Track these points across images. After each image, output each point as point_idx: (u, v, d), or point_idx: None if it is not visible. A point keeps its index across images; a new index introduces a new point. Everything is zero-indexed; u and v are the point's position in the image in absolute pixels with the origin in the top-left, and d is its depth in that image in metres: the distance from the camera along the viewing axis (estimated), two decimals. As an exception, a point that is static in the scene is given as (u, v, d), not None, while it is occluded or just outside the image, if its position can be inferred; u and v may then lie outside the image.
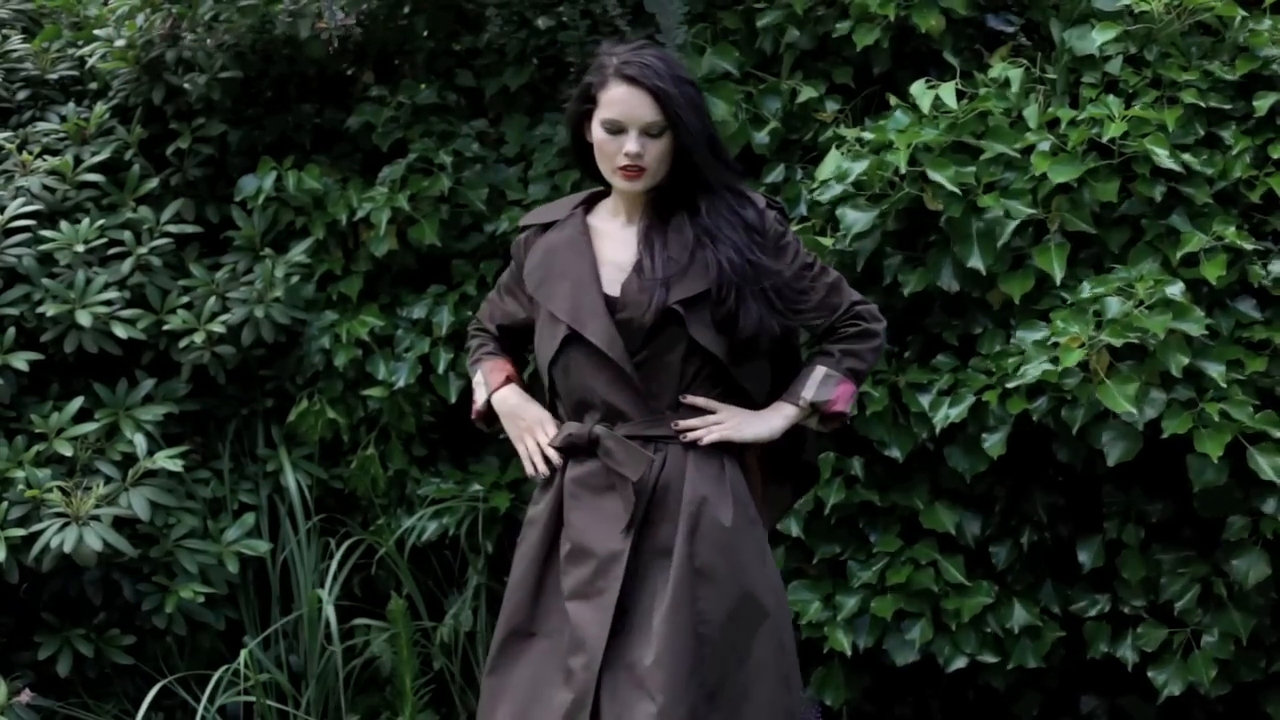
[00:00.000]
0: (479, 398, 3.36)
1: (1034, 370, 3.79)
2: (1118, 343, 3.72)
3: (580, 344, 3.12)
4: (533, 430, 3.23)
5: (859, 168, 4.06)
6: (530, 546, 3.17)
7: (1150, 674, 4.02)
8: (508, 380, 3.32)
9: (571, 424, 3.17)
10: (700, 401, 3.16)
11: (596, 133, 3.12)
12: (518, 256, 3.30)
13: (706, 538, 3.09)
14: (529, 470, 3.22)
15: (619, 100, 3.08)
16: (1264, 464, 3.74)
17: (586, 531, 3.10)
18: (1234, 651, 3.98)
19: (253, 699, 4.59)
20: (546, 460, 3.19)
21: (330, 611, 4.63)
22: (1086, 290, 3.86)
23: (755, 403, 3.21)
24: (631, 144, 3.07)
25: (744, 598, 3.09)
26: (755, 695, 3.08)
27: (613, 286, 3.13)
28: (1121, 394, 3.73)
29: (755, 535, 3.17)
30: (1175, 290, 3.79)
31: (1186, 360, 3.74)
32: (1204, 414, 3.76)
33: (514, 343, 3.40)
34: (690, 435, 3.13)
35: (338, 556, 4.73)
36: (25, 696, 4.44)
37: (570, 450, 3.16)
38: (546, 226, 3.25)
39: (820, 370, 3.22)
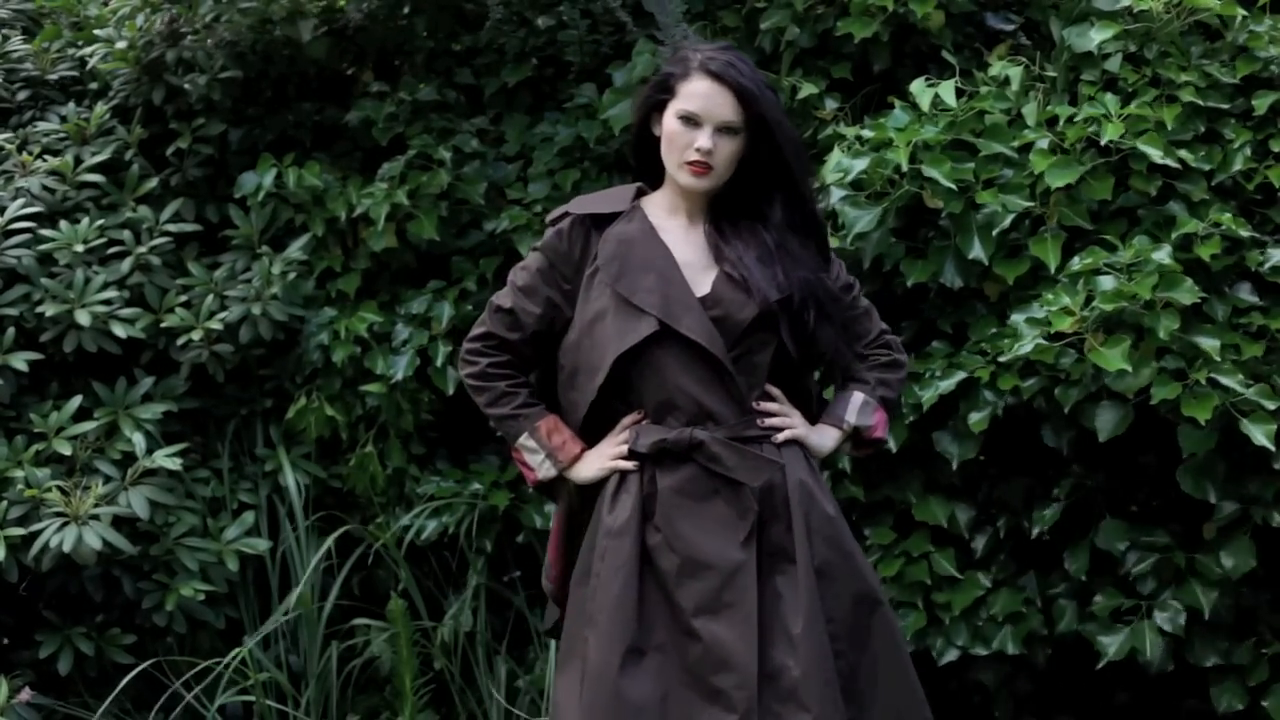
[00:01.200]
0: (542, 470, 3.17)
1: (1027, 345, 3.78)
2: (1110, 307, 3.71)
3: (671, 340, 3.03)
4: (613, 445, 3.11)
5: (859, 165, 4.06)
6: (623, 560, 3.01)
7: (1099, 638, 3.99)
8: (583, 453, 3.15)
9: (655, 428, 3.07)
10: (777, 393, 3.16)
11: (669, 124, 3.06)
12: (559, 247, 3.13)
13: (819, 533, 3.08)
14: (630, 465, 3.08)
15: (700, 94, 3.04)
16: (1256, 431, 3.72)
17: (699, 543, 3.01)
18: (1183, 626, 3.94)
19: (252, 699, 4.59)
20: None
21: (306, 605, 4.63)
22: (1076, 264, 3.85)
23: (811, 414, 3.24)
24: (704, 139, 3.03)
25: (859, 589, 3.10)
26: (884, 680, 3.09)
27: (697, 285, 3.08)
28: (1114, 354, 3.72)
29: (845, 522, 3.18)
30: (1162, 254, 3.77)
31: (1175, 325, 3.73)
32: (1194, 385, 3.74)
33: (540, 352, 3.22)
34: (771, 422, 3.11)
35: (323, 550, 4.73)
36: (25, 695, 4.44)
37: (658, 456, 3.06)
38: (606, 218, 3.13)
39: (859, 396, 3.23)
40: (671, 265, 3.07)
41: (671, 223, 3.13)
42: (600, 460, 3.12)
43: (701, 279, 3.08)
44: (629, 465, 3.07)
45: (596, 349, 3.07)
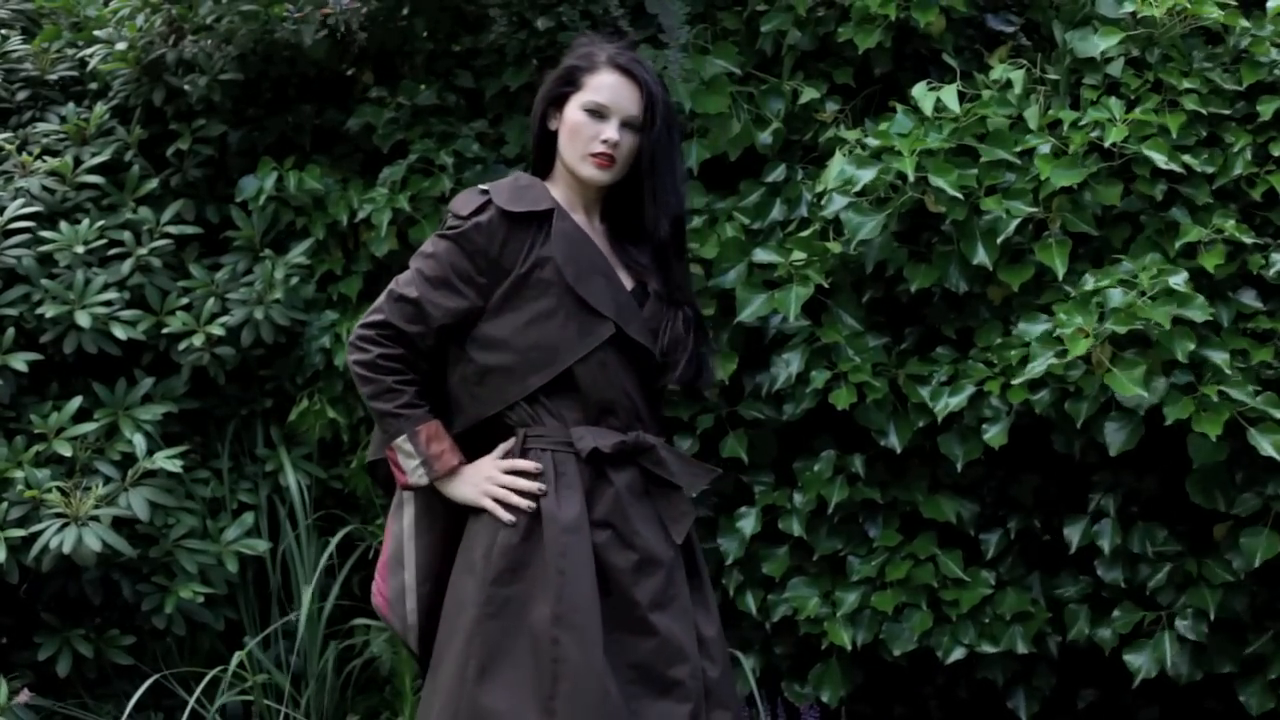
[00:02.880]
0: (414, 476, 3.09)
1: (1040, 365, 3.79)
2: (1123, 330, 3.72)
3: (619, 344, 3.06)
4: (498, 478, 3.08)
5: (866, 175, 4.04)
6: (585, 556, 3.00)
7: (1125, 657, 4.01)
8: (460, 466, 3.10)
9: (602, 430, 3.07)
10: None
11: (574, 115, 3.08)
12: (477, 240, 3.05)
13: (696, 543, 3.20)
14: (507, 518, 3.04)
15: (608, 86, 3.07)
16: (1264, 441, 3.74)
17: (650, 540, 3.06)
18: (1206, 634, 3.96)
19: (251, 699, 4.59)
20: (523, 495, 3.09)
21: (306, 608, 4.63)
22: (1090, 283, 3.86)
23: None
24: (611, 131, 3.06)
25: None
26: None
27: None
28: (1129, 379, 3.73)
29: None
30: (1179, 280, 3.79)
31: (1192, 346, 3.75)
32: (1204, 398, 3.76)
33: (438, 347, 3.14)
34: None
35: (330, 550, 4.74)
36: (24, 696, 4.44)
37: (615, 458, 3.06)
38: (540, 215, 3.09)
39: None
40: (610, 268, 3.11)
41: (577, 219, 3.15)
42: (483, 485, 3.06)
43: (629, 287, 3.15)
44: (526, 504, 3.03)
45: (537, 349, 3.05)
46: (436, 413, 3.12)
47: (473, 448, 3.15)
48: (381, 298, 3.13)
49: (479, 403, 3.11)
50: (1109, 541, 4.00)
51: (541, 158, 3.20)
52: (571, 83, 3.10)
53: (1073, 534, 4.06)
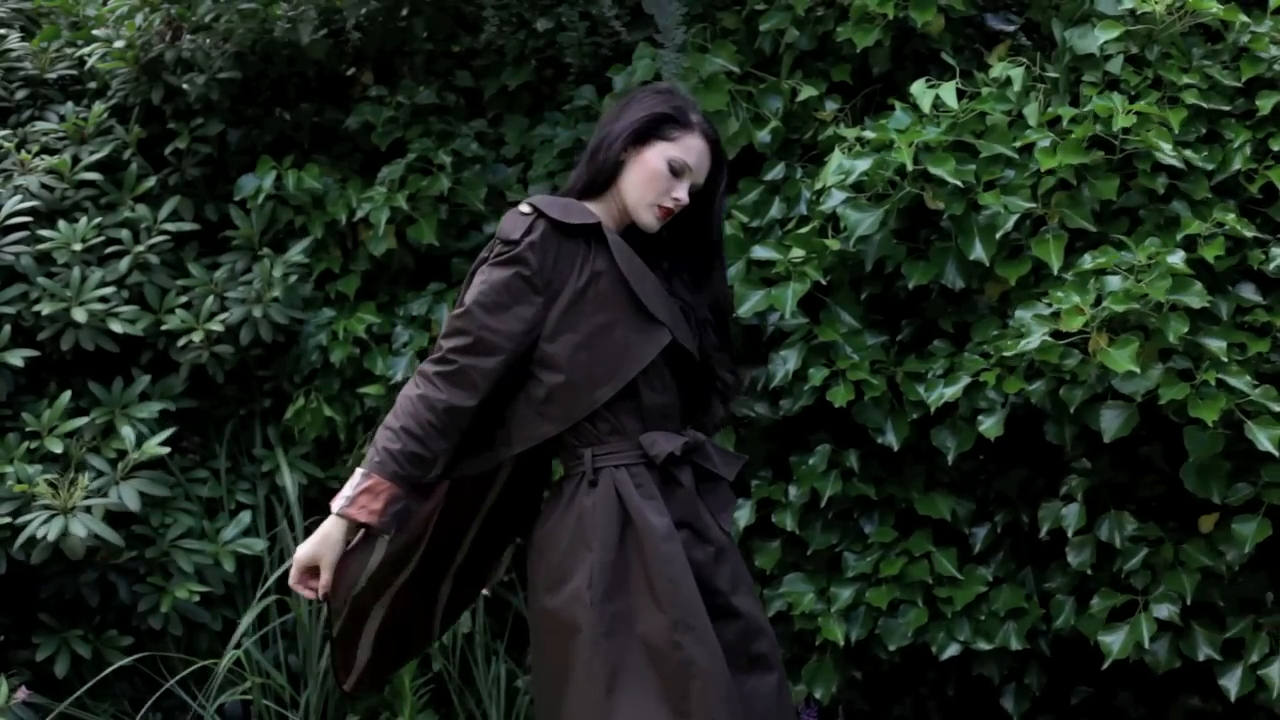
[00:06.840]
0: (338, 501, 3.05)
1: (1034, 340, 3.78)
2: (1120, 309, 3.71)
3: (672, 352, 3.16)
4: (324, 575, 3.09)
5: (861, 166, 4.05)
6: (685, 561, 3.07)
7: (1100, 638, 3.99)
8: (360, 532, 3.09)
9: (663, 434, 3.13)
10: None
11: (656, 163, 3.16)
12: (530, 260, 3.07)
13: None
14: (307, 593, 3.10)
15: (696, 150, 3.19)
16: (1262, 436, 3.72)
17: (716, 530, 3.19)
18: (1178, 615, 3.93)
19: (250, 699, 4.58)
20: None
21: (302, 606, 4.61)
22: (1088, 262, 3.86)
23: None
24: (683, 192, 3.18)
25: None
26: None
27: None
28: (1122, 356, 3.72)
29: None
30: (1176, 258, 3.78)
31: (1185, 329, 3.73)
32: (1202, 386, 3.75)
33: (505, 375, 3.13)
34: None
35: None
36: (23, 695, 4.43)
37: (680, 458, 3.14)
38: (589, 229, 3.13)
39: None
40: (659, 281, 3.20)
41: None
42: (328, 555, 3.06)
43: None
44: (304, 592, 3.11)
45: (602, 362, 3.10)
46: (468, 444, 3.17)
47: (523, 473, 3.28)
48: (441, 332, 3.12)
49: (547, 421, 3.13)
50: (1073, 524, 3.99)
51: (598, 178, 3.22)
52: (662, 132, 3.18)
53: (1045, 518, 4.05)
